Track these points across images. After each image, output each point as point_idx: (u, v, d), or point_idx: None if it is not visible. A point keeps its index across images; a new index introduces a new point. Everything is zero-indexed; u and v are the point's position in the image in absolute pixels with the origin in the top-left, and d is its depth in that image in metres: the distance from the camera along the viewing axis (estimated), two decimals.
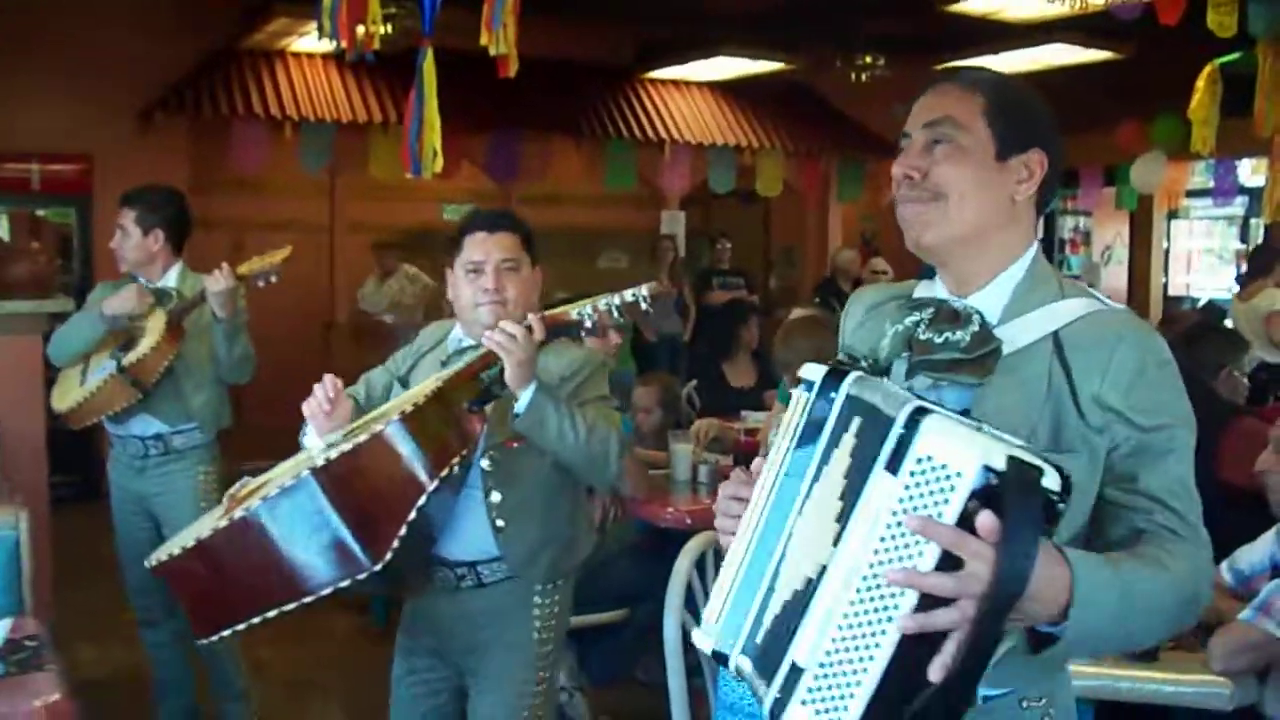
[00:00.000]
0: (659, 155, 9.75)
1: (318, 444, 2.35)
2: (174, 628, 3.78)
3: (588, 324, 2.33)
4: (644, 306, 2.30)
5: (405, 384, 2.63)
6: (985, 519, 1.20)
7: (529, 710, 2.59)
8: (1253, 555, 2.86)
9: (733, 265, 9.92)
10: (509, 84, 4.66)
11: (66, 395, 3.71)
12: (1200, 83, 5.90)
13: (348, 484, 2.15)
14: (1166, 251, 11.81)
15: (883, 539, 1.25)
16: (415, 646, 2.69)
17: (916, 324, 1.55)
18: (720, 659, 1.42)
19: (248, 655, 4.01)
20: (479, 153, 8.95)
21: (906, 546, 1.23)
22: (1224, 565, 2.90)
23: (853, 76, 8.71)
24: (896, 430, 1.26)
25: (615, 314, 2.31)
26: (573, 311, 2.35)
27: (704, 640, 1.44)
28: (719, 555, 1.82)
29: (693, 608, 2.45)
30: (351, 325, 8.92)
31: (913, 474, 1.24)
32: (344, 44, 4.31)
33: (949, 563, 1.21)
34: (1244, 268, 8.58)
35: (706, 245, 10.48)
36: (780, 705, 1.30)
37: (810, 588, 1.30)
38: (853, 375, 1.36)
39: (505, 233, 2.59)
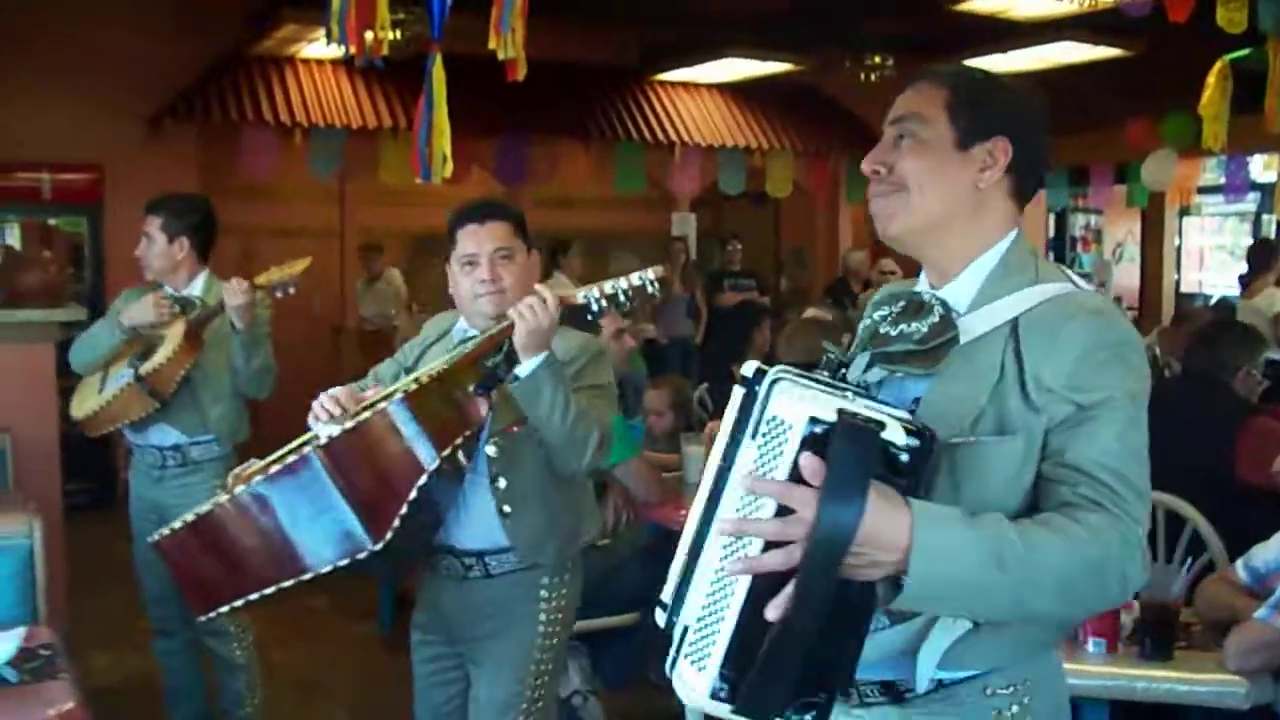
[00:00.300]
0: (669, 157, 9.76)
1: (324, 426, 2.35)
2: (187, 637, 3.79)
3: (594, 308, 2.31)
4: (651, 290, 2.27)
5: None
6: (806, 460, 1.29)
7: (528, 702, 2.60)
8: (1268, 553, 2.84)
9: (744, 267, 9.88)
10: (517, 88, 4.67)
11: (85, 402, 3.71)
12: (1211, 79, 5.88)
13: (350, 462, 2.16)
14: (1178, 248, 11.75)
15: (743, 497, 1.36)
16: (427, 636, 2.74)
17: (884, 318, 1.58)
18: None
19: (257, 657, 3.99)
20: (488, 157, 8.96)
21: (756, 502, 1.35)
22: (1239, 563, 2.88)
23: (861, 77, 8.69)
24: (759, 399, 1.38)
25: (623, 298, 2.29)
26: (579, 295, 2.33)
27: (660, 617, 1.47)
28: None
29: None
30: (356, 330, 9.06)
31: (763, 435, 1.36)
32: (353, 50, 4.31)
33: (785, 513, 1.31)
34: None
35: (717, 247, 10.45)
36: (673, 665, 1.41)
37: (695, 555, 1.41)
38: (774, 371, 1.42)
39: (497, 222, 2.58)
